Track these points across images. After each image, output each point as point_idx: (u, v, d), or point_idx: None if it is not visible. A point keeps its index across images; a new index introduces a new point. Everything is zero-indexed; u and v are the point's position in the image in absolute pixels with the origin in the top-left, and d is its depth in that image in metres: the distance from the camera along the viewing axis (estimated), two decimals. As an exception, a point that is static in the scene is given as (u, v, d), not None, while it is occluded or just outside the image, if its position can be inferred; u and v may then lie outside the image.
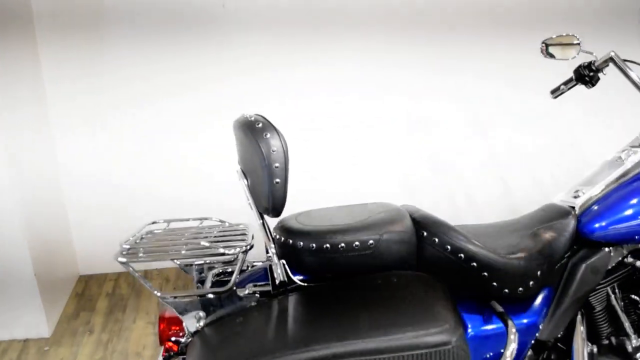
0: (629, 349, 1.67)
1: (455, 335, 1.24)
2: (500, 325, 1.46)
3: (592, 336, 1.71)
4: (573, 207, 1.67)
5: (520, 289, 1.46)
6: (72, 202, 3.36)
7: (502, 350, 1.48)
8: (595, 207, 1.65)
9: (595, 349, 1.68)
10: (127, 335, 2.83)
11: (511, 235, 1.61)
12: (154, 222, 1.61)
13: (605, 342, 1.71)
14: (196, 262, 1.70)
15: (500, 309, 1.45)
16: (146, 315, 2.99)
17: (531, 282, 1.47)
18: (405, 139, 3.45)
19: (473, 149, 3.49)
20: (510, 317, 1.42)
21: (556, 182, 3.43)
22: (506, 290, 1.45)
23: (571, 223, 1.62)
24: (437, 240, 1.45)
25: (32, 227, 2.82)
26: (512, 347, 1.37)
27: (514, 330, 1.39)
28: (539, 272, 1.47)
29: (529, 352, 1.62)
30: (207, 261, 1.68)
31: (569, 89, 1.88)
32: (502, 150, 3.47)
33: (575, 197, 1.70)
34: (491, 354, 1.49)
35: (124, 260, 1.34)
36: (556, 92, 1.92)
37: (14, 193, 2.67)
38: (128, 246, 1.38)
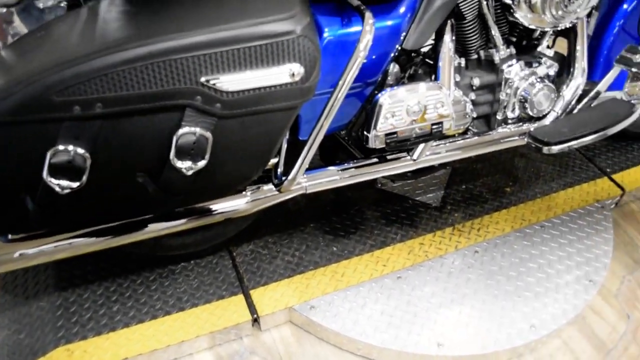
0: (496, 60, 1.59)
1: (300, 24, 1.04)
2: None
3: (461, 50, 1.61)
4: None
5: (383, -17, 1.26)
6: None
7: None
8: None
9: (463, 63, 1.59)
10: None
11: None
12: None
13: (474, 56, 1.62)
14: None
15: (356, 2, 1.25)
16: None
17: (393, -24, 1.27)
18: None
19: None
20: (369, 9, 1.23)
21: None
22: (366, -13, 1.25)
23: None
24: None
25: None
26: (366, 39, 1.20)
27: (370, 21, 1.21)
28: (404, -35, 1.27)
29: (395, 69, 1.50)
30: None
31: None
32: None
33: None
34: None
35: None
36: None
37: None
38: None
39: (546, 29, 1.59)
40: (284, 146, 1.34)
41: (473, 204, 1.87)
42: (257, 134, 1.13)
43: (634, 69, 1.62)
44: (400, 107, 1.35)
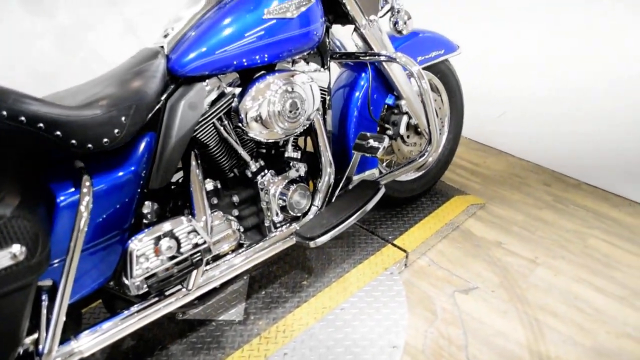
0: (249, 174, 1.73)
1: (9, 207, 1.05)
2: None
3: (216, 173, 1.72)
4: (163, 47, 1.58)
5: (106, 140, 1.32)
6: None
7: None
8: (184, 42, 1.57)
9: (219, 184, 1.69)
10: None
11: (95, 88, 1.45)
12: None
13: (230, 175, 1.74)
14: None
15: (80, 165, 1.30)
16: None
17: (116, 131, 1.34)
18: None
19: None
20: (87, 171, 1.28)
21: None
22: (90, 146, 1.30)
23: (161, 63, 1.52)
24: (-16, 110, 1.19)
25: None
26: (85, 201, 1.24)
27: (87, 183, 1.26)
28: (123, 118, 1.35)
29: (155, 207, 1.55)
30: None
31: None
32: None
33: (164, 36, 1.61)
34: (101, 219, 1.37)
35: None
36: None
37: None
38: None
39: (285, 138, 1.77)
40: (43, 318, 1.30)
41: (275, 307, 1.93)
42: (-3, 321, 1.09)
43: (369, 154, 1.85)
44: (151, 248, 1.39)
